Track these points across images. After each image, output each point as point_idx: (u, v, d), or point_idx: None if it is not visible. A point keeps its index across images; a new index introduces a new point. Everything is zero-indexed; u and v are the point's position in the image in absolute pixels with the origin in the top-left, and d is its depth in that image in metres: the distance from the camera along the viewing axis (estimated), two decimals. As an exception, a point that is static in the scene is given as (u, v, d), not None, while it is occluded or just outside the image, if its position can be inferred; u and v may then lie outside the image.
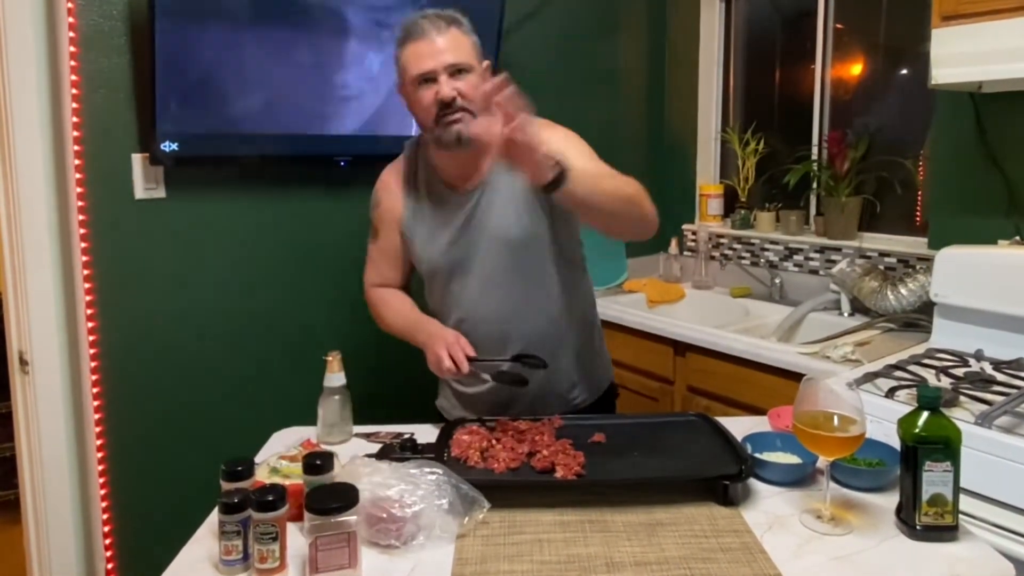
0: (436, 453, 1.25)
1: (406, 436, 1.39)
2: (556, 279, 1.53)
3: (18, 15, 1.73)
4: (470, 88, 1.39)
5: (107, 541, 1.93)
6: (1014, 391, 1.51)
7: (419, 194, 1.54)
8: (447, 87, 1.37)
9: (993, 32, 1.62)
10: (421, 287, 1.63)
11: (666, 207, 1.97)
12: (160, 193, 1.95)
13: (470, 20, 1.46)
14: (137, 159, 1.90)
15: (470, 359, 1.39)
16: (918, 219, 2.31)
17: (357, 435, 1.43)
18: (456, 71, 1.39)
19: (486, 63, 1.47)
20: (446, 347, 1.39)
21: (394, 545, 1.04)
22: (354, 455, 1.18)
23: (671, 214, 2.79)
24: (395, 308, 1.59)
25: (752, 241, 2.64)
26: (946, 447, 1.05)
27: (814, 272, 2.46)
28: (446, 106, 1.38)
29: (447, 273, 1.52)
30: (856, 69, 2.49)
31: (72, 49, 1.77)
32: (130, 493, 1.95)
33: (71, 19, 1.76)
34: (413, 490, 1.06)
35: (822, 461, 1.12)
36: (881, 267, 2.24)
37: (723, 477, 1.16)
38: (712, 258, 2.77)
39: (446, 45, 1.38)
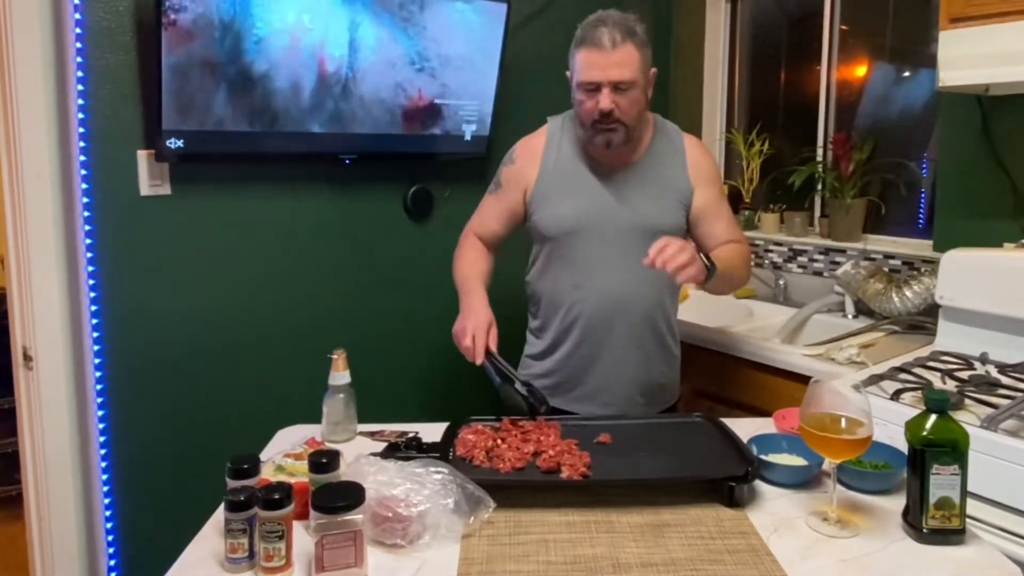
0: (441, 452, 1.25)
1: (411, 435, 1.39)
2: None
3: (24, 12, 1.73)
4: (629, 104, 1.50)
5: (110, 537, 1.93)
6: (1020, 394, 1.51)
7: (560, 161, 1.63)
8: (607, 100, 1.48)
9: (1001, 34, 1.62)
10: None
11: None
12: (165, 190, 1.95)
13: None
14: (142, 156, 1.89)
15: (488, 353, 1.45)
16: (923, 221, 2.31)
17: (361, 434, 1.43)
18: (619, 87, 1.48)
19: (653, 71, 1.57)
20: (474, 328, 1.46)
21: (400, 544, 1.04)
22: (359, 454, 1.18)
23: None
24: (467, 262, 1.67)
25: (756, 242, 2.64)
26: (954, 450, 1.04)
27: (818, 274, 2.46)
28: (604, 116, 1.49)
29: (572, 237, 1.60)
30: (862, 71, 2.49)
31: (78, 46, 1.77)
32: (133, 490, 1.95)
33: (77, 16, 1.76)
34: (419, 489, 1.06)
35: (828, 463, 1.11)
36: (886, 269, 2.23)
37: (729, 479, 1.16)
38: (716, 259, 2.77)
39: (616, 60, 1.47)
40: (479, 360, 1.43)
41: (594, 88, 1.49)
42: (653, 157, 1.62)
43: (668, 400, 1.74)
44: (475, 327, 1.46)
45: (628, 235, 1.58)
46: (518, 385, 1.41)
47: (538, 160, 1.64)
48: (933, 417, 1.06)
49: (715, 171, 1.70)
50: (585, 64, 1.49)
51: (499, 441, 1.28)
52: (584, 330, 1.62)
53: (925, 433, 1.05)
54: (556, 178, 1.62)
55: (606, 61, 1.47)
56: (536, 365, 1.71)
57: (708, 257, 1.47)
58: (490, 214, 1.72)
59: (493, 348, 1.46)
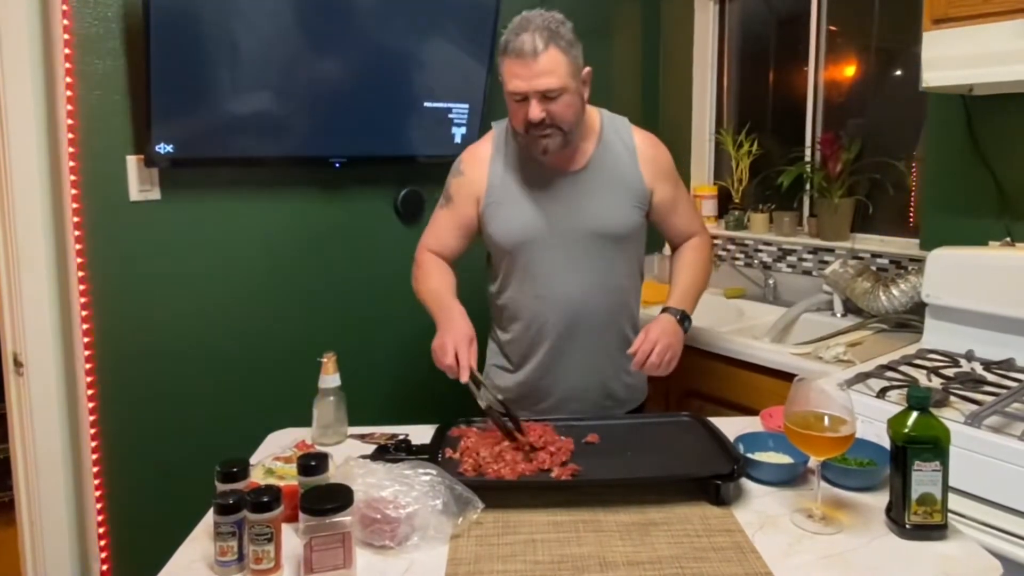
0: (431, 454, 1.25)
1: (400, 437, 1.40)
2: (630, 276, 1.64)
3: (13, 18, 1.73)
4: (562, 109, 1.45)
5: (102, 543, 1.93)
6: (1004, 391, 1.52)
7: (508, 169, 1.58)
8: (536, 110, 1.44)
9: (983, 35, 1.63)
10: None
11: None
12: (155, 195, 1.95)
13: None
14: (132, 161, 1.90)
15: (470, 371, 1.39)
16: (910, 220, 2.33)
17: (351, 436, 1.44)
18: (548, 95, 1.43)
19: (586, 70, 1.51)
20: (455, 344, 1.39)
21: (388, 546, 1.05)
22: (348, 456, 1.19)
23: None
24: (435, 279, 1.59)
25: (746, 242, 2.65)
26: (935, 447, 1.06)
27: (807, 273, 2.48)
28: (535, 125, 1.45)
29: (528, 247, 1.57)
30: (849, 71, 2.50)
31: (67, 51, 1.77)
32: (125, 494, 1.95)
33: (66, 21, 1.76)
34: (407, 491, 1.07)
35: (813, 461, 1.13)
36: (873, 268, 2.25)
37: (715, 477, 1.17)
38: (706, 259, 2.78)
39: (541, 68, 1.41)
40: (464, 378, 1.37)
41: (522, 98, 1.45)
42: (603, 157, 1.58)
43: (637, 399, 1.72)
44: (456, 343, 1.39)
45: (585, 240, 1.56)
46: (497, 404, 1.36)
47: (486, 169, 1.59)
48: (915, 414, 1.07)
49: (669, 164, 1.66)
50: (510, 74, 1.44)
51: (503, 454, 1.26)
52: (551, 341, 1.59)
53: (907, 430, 1.07)
54: (505, 188, 1.57)
55: (529, 71, 1.41)
56: (506, 377, 1.67)
57: (683, 317, 1.58)
58: (444, 229, 1.63)
59: (473, 364, 1.39)
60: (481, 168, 1.59)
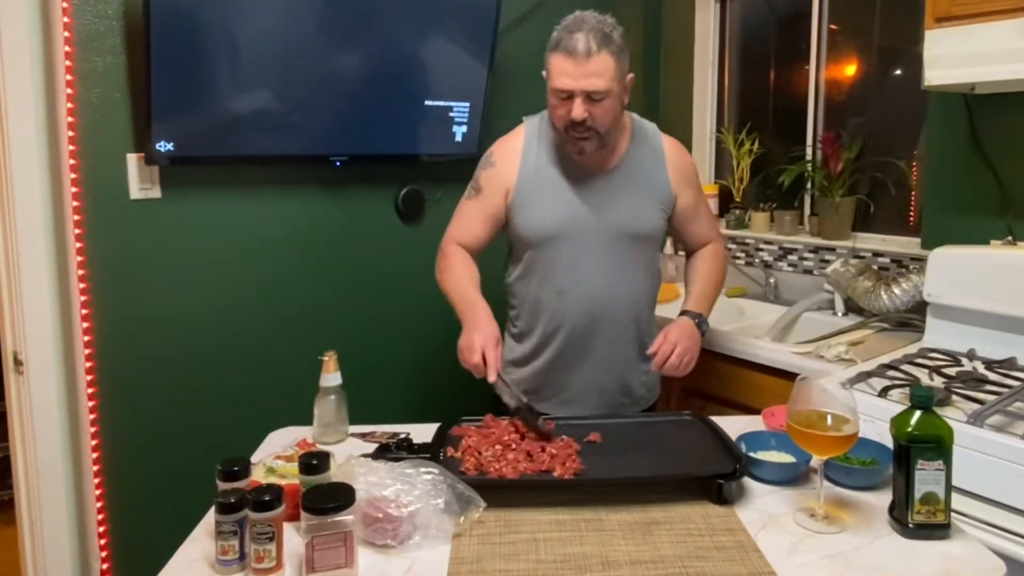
0: (432, 453, 1.25)
1: (402, 436, 1.39)
2: (648, 277, 1.65)
3: (13, 15, 1.73)
4: (603, 112, 1.47)
5: (102, 541, 1.92)
6: (1006, 390, 1.52)
7: (540, 163, 1.60)
8: (580, 109, 1.45)
9: (986, 34, 1.63)
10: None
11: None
12: (155, 193, 1.95)
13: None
14: (132, 159, 1.90)
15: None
16: (911, 219, 2.32)
17: (353, 435, 1.44)
18: (593, 96, 1.45)
19: (630, 76, 1.53)
20: (482, 344, 1.40)
21: (390, 545, 1.05)
22: (350, 455, 1.18)
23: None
24: (460, 272, 1.59)
25: (747, 241, 2.65)
26: (938, 446, 1.05)
27: (808, 272, 2.47)
28: (576, 125, 1.47)
29: (554, 243, 1.58)
30: (850, 70, 2.50)
31: (67, 49, 1.76)
32: (125, 493, 1.95)
33: (66, 19, 1.75)
34: (409, 490, 1.07)
35: (816, 460, 1.12)
36: (875, 267, 2.25)
37: (718, 476, 1.17)
38: (707, 258, 2.77)
39: (591, 69, 1.43)
40: (492, 378, 1.38)
41: (567, 96, 1.46)
42: (633, 160, 1.61)
43: (650, 399, 1.74)
44: (484, 343, 1.40)
45: (610, 240, 1.58)
46: (525, 399, 1.38)
47: (517, 162, 1.60)
48: (918, 413, 1.07)
49: (694, 171, 1.71)
50: (559, 71, 1.46)
51: (505, 453, 1.26)
52: (567, 336, 1.60)
53: (910, 429, 1.06)
54: (536, 182, 1.58)
55: (580, 70, 1.43)
56: (517, 371, 1.68)
57: (700, 321, 1.60)
58: (473, 220, 1.64)
59: (500, 364, 1.41)
60: (513, 160, 1.61)
